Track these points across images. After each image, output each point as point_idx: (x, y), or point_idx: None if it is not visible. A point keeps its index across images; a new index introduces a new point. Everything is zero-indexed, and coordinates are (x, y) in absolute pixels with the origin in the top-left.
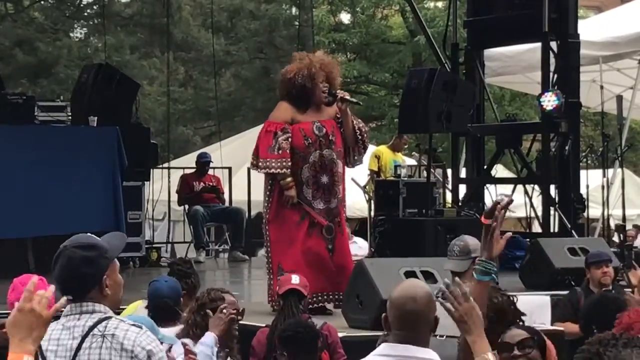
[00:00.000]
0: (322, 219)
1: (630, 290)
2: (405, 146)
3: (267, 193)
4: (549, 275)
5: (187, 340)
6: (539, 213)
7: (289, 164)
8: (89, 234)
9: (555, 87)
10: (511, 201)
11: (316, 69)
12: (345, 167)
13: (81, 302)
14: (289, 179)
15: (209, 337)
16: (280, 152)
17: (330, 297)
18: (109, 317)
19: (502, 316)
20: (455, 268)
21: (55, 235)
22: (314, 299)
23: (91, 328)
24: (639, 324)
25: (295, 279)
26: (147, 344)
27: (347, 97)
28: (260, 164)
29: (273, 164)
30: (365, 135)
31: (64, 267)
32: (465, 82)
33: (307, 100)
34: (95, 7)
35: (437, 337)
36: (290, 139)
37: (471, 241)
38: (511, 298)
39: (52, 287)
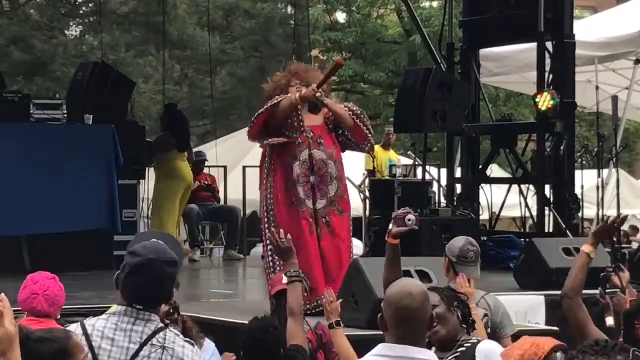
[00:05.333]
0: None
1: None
2: (392, 138)
3: (268, 192)
4: (543, 275)
5: None
6: (534, 213)
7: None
8: (161, 242)
9: (551, 88)
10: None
11: (289, 78)
12: (344, 170)
13: (142, 310)
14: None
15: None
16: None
17: None
18: (165, 328)
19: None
20: (476, 275)
21: (51, 233)
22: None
23: (150, 337)
24: None
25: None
26: None
27: (319, 93)
28: (254, 119)
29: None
30: (355, 110)
31: (151, 281)
32: (460, 82)
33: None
34: (91, 5)
35: None
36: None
37: (477, 243)
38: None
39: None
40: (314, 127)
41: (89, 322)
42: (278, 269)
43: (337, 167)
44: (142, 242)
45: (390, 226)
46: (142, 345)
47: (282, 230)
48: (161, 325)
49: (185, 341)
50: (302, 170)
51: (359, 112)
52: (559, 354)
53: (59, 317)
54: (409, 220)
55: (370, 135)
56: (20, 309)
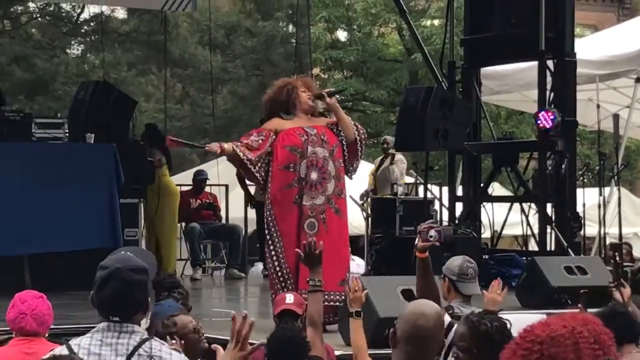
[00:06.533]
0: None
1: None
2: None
3: (268, 203)
4: (545, 293)
5: None
6: (536, 231)
7: (243, 151)
8: (129, 253)
9: (552, 106)
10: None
11: (290, 82)
12: (344, 169)
13: (123, 322)
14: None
15: None
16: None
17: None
18: (150, 339)
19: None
20: (477, 291)
21: (52, 252)
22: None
23: (136, 347)
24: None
25: (289, 298)
26: None
27: (332, 89)
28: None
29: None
30: (361, 132)
31: (119, 290)
32: (461, 100)
33: (289, 110)
34: (92, 24)
35: None
36: (262, 141)
37: (473, 260)
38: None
39: None
40: (317, 126)
41: (74, 341)
42: (290, 285)
43: (336, 166)
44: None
45: (416, 240)
46: (129, 357)
47: (316, 240)
48: (146, 335)
49: (172, 349)
50: (307, 168)
51: (363, 136)
52: None
53: (47, 335)
54: (431, 236)
55: (358, 162)
56: (8, 328)
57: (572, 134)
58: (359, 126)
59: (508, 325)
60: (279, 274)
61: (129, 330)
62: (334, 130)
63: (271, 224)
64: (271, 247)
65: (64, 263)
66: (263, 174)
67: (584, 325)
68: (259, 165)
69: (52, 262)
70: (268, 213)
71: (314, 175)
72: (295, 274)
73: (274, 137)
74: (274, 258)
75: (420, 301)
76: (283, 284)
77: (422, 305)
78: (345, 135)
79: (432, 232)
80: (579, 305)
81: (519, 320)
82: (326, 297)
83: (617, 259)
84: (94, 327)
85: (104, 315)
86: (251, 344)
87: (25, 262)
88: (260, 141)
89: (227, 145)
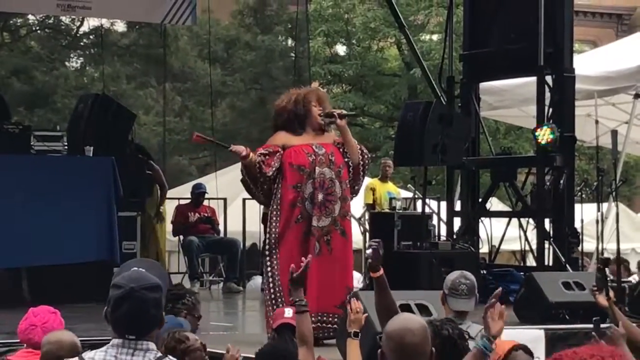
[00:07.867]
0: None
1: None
2: (389, 170)
3: (273, 219)
4: (543, 309)
5: None
6: (534, 247)
7: (262, 167)
8: (140, 269)
9: (551, 121)
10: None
11: (306, 93)
12: (349, 190)
13: (138, 340)
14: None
15: None
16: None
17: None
18: (163, 357)
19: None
20: (467, 308)
21: (51, 265)
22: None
23: None
24: None
25: (288, 312)
26: None
27: (344, 112)
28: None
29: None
30: (366, 156)
31: (135, 309)
32: (460, 115)
33: (303, 124)
34: (91, 37)
35: None
36: (269, 157)
37: (472, 277)
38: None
39: None
40: (325, 144)
41: (88, 354)
42: (280, 302)
43: (342, 187)
44: (122, 273)
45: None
46: None
47: (307, 259)
48: (160, 354)
49: None
50: (313, 188)
51: (367, 160)
52: (519, 352)
53: None
54: (367, 257)
55: (360, 184)
56: (18, 340)
57: (570, 149)
58: (364, 150)
59: (466, 335)
60: (272, 291)
61: (143, 348)
62: (341, 150)
63: (273, 241)
64: (268, 264)
65: (62, 275)
66: (261, 194)
67: (611, 356)
68: (265, 184)
69: (50, 274)
70: (273, 230)
71: (320, 197)
72: (288, 294)
73: (281, 152)
74: (269, 274)
75: (404, 316)
76: (274, 302)
77: (406, 321)
78: (351, 158)
79: (367, 252)
80: (593, 333)
81: (516, 336)
82: (323, 318)
83: (602, 268)
84: (90, 340)
85: (119, 333)
86: (249, 358)
87: (23, 274)
88: (267, 157)
89: (253, 156)
